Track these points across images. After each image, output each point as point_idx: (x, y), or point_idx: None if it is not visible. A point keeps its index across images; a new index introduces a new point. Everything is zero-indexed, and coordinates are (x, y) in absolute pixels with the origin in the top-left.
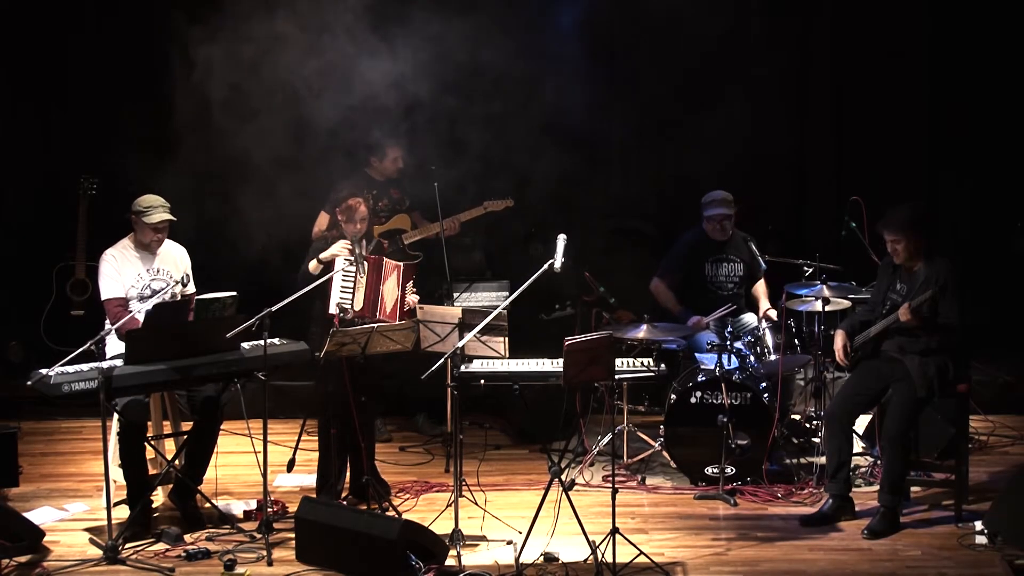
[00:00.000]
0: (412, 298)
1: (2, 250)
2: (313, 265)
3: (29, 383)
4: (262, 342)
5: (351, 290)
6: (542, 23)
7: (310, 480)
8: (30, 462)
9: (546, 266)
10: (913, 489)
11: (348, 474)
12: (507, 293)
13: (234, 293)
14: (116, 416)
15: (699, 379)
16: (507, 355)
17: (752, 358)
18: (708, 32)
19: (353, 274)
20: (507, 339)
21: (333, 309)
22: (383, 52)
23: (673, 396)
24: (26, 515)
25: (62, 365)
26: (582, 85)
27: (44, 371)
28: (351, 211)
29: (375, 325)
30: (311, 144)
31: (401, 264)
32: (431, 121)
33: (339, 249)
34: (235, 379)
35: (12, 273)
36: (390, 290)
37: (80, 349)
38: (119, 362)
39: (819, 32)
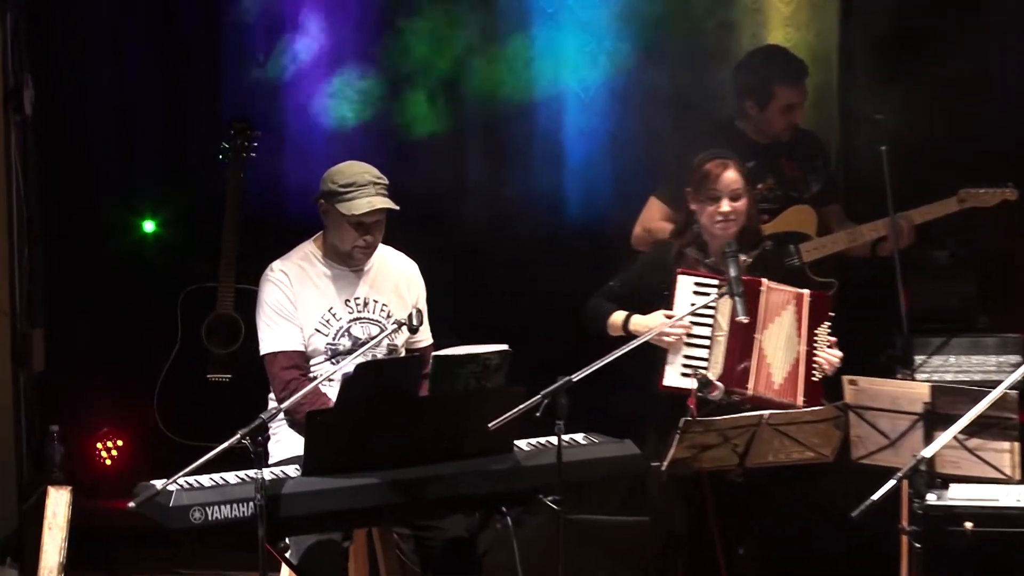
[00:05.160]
0: (829, 356)
1: (94, 261)
2: (614, 320)
3: (132, 504)
4: (552, 438)
5: (708, 343)
6: None
7: None
8: None
9: None
10: None
11: None
12: (1020, 358)
13: (504, 347)
14: (287, 569)
15: None
16: (1021, 477)
17: None
18: None
19: (712, 313)
20: (1021, 446)
21: (671, 379)
22: None
23: None
24: None
25: (190, 473)
26: None
27: (159, 484)
28: (705, 180)
29: (765, 413)
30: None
31: (804, 292)
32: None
33: (659, 325)
34: (504, 507)
35: (110, 301)
36: (783, 339)
37: (223, 445)
38: (293, 471)
39: None
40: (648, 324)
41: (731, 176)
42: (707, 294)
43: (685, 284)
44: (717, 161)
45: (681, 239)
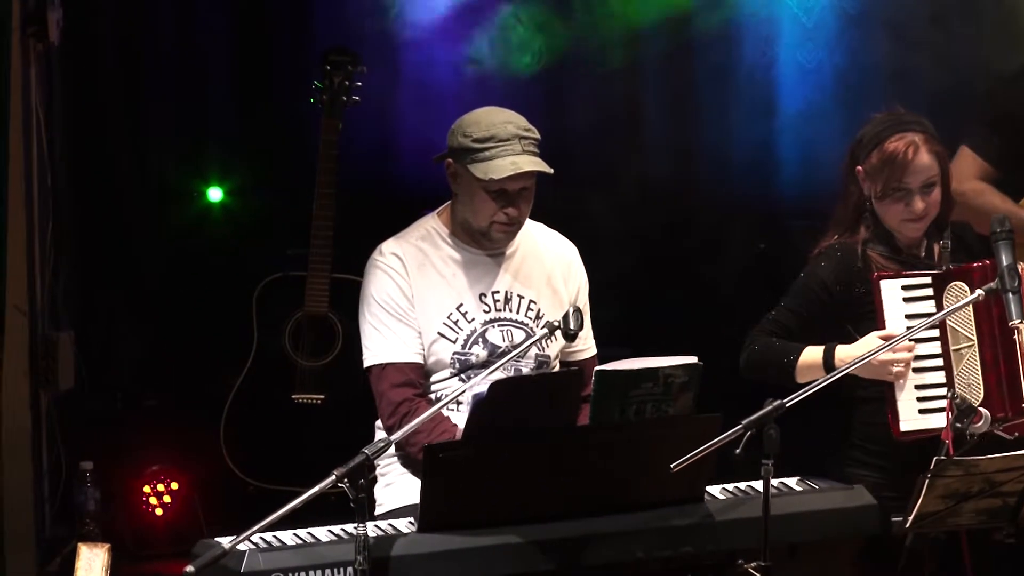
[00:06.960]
0: None
1: (141, 242)
2: (809, 360)
3: (191, 569)
4: (757, 484)
5: (940, 364)
6: None
7: None
8: None
9: None
10: None
11: None
12: None
13: (693, 360)
14: None
15: None
16: None
17: None
18: None
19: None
20: None
21: (911, 422)
22: None
23: None
24: None
25: (268, 528)
26: None
27: (226, 541)
28: (889, 166)
29: None
30: None
31: None
32: None
33: (880, 352)
34: (692, 575)
35: (162, 296)
36: None
37: (312, 491)
38: (407, 525)
39: None
40: (862, 353)
41: (924, 161)
42: (922, 298)
43: (891, 291)
44: (904, 138)
45: (854, 232)
